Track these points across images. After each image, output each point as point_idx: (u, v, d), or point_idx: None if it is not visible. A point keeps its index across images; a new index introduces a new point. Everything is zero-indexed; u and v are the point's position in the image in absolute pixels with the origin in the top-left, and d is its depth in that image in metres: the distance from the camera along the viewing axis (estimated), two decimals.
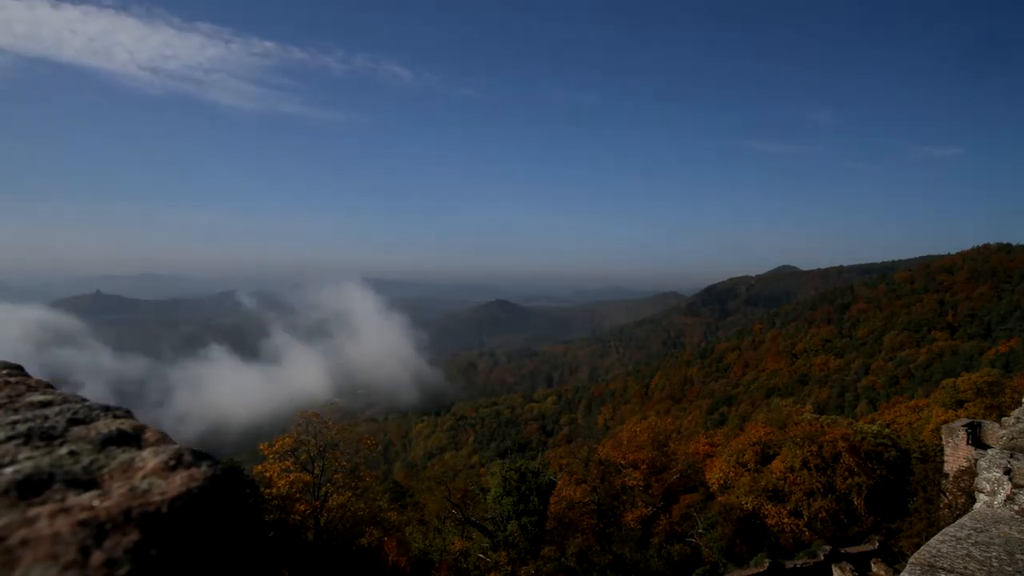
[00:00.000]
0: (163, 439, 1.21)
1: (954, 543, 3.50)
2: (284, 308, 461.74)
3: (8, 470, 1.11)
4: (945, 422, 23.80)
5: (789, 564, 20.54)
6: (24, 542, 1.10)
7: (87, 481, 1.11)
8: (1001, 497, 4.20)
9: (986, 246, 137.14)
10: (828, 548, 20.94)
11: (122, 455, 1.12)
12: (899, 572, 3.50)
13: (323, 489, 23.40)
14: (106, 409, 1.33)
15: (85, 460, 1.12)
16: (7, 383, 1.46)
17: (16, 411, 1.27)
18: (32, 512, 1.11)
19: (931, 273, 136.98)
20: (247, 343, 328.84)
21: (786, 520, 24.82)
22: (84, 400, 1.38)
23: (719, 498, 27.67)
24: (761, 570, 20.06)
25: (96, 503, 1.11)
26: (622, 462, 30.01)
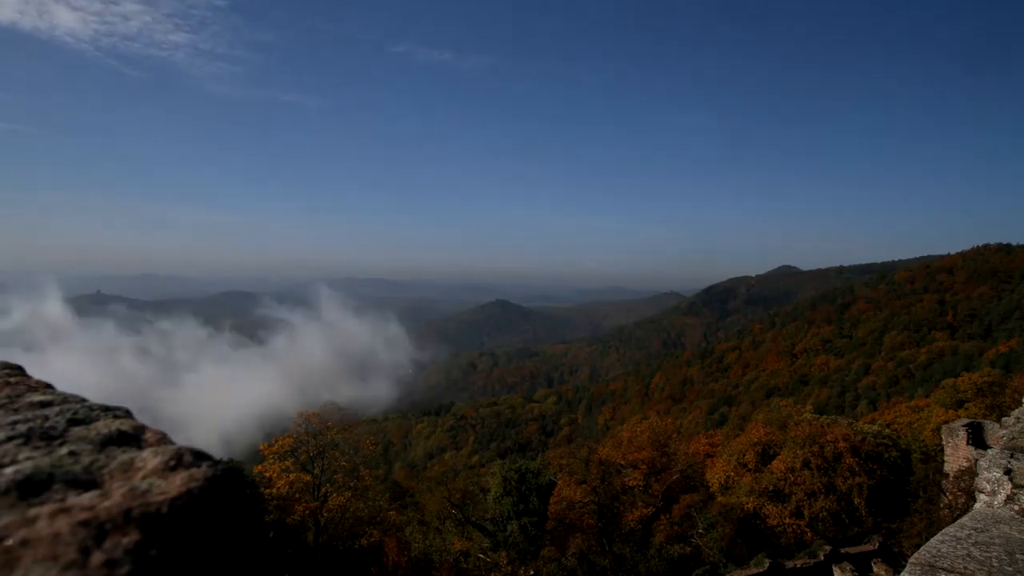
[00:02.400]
0: (163, 439, 1.21)
1: (954, 543, 3.49)
2: (283, 309, 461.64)
3: (8, 470, 1.11)
4: (945, 422, 23.80)
5: (789, 564, 20.53)
6: (24, 542, 1.10)
7: (87, 481, 1.11)
8: (1001, 497, 4.20)
9: (986, 246, 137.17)
10: (828, 548, 20.93)
11: (122, 455, 1.12)
12: (900, 572, 3.49)
13: (323, 489, 23.41)
14: (106, 409, 1.33)
15: (85, 460, 1.11)
16: (7, 383, 1.46)
17: (16, 411, 1.27)
18: (32, 512, 1.11)
19: (931, 273, 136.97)
20: (247, 344, 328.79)
21: (787, 520, 24.81)
22: (84, 400, 1.38)
23: (719, 498, 27.67)
24: (761, 570, 20.06)
25: (96, 503, 1.11)
26: (622, 462, 30.00)
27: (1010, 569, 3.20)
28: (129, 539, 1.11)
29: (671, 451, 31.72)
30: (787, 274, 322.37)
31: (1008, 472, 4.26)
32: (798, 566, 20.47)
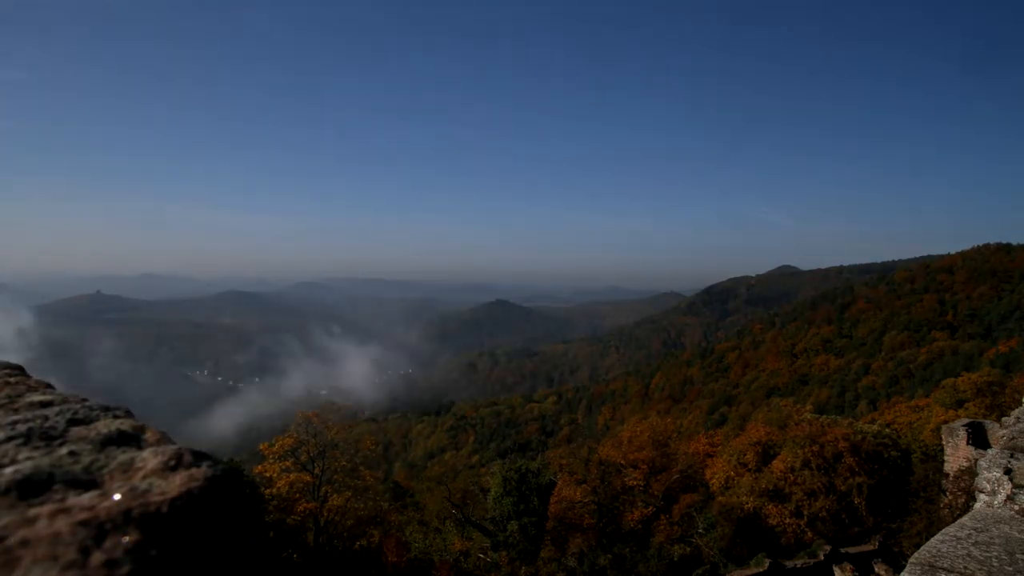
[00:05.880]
0: (163, 439, 1.21)
1: (954, 543, 3.49)
2: (283, 309, 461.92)
3: (8, 470, 1.11)
4: (945, 422, 23.80)
5: (789, 564, 20.53)
6: (24, 542, 1.10)
7: (87, 481, 1.11)
8: (1001, 497, 4.20)
9: (986, 246, 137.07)
10: (828, 548, 20.93)
11: (122, 455, 1.12)
12: (900, 572, 3.49)
13: (323, 490, 23.41)
14: (106, 409, 1.33)
15: (85, 460, 1.12)
16: (7, 383, 1.46)
17: (16, 411, 1.27)
18: (32, 512, 1.11)
19: (931, 273, 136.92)
20: (246, 343, 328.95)
21: (787, 520, 24.81)
22: (84, 400, 1.38)
23: (719, 498, 27.66)
24: (761, 570, 20.05)
25: (96, 503, 1.11)
26: (622, 462, 30.00)
27: (1010, 569, 3.20)
28: (129, 539, 1.11)
29: (671, 451, 31.72)
30: (787, 274, 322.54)
31: (1008, 472, 4.26)
32: (798, 566, 20.47)
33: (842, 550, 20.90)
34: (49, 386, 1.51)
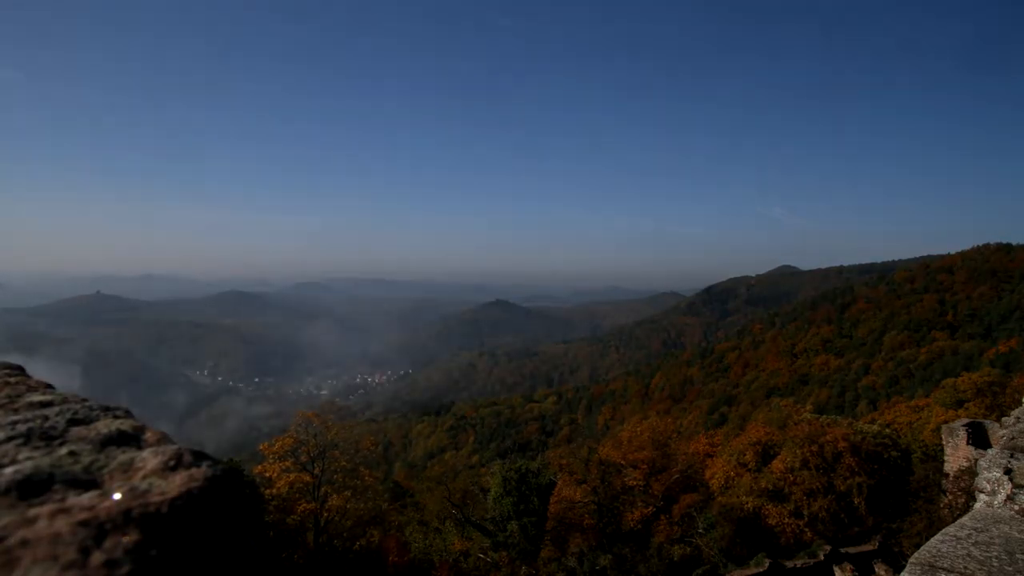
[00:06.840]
0: (163, 439, 1.21)
1: (954, 543, 3.49)
2: (283, 309, 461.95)
3: (8, 470, 1.11)
4: (945, 422, 23.81)
5: (789, 564, 20.53)
6: (24, 542, 1.10)
7: (87, 481, 1.11)
8: (1001, 497, 4.19)
9: (986, 246, 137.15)
10: (828, 548, 20.93)
11: (122, 455, 1.12)
12: (900, 572, 3.49)
13: (323, 490, 23.40)
14: (106, 409, 1.33)
15: (85, 460, 1.12)
16: (7, 383, 1.46)
17: (16, 411, 1.27)
18: (32, 512, 1.11)
19: (931, 273, 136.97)
20: (246, 344, 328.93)
21: (787, 520, 24.80)
22: (84, 400, 1.38)
23: (719, 498, 27.65)
24: (761, 570, 20.06)
25: (96, 503, 1.11)
26: (622, 462, 29.99)
27: (1010, 569, 3.20)
28: (129, 539, 1.11)
29: (671, 451, 31.69)
30: (787, 274, 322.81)
31: (1008, 472, 4.25)
32: (798, 566, 20.47)
33: (842, 550, 20.90)
34: (49, 386, 1.51)
